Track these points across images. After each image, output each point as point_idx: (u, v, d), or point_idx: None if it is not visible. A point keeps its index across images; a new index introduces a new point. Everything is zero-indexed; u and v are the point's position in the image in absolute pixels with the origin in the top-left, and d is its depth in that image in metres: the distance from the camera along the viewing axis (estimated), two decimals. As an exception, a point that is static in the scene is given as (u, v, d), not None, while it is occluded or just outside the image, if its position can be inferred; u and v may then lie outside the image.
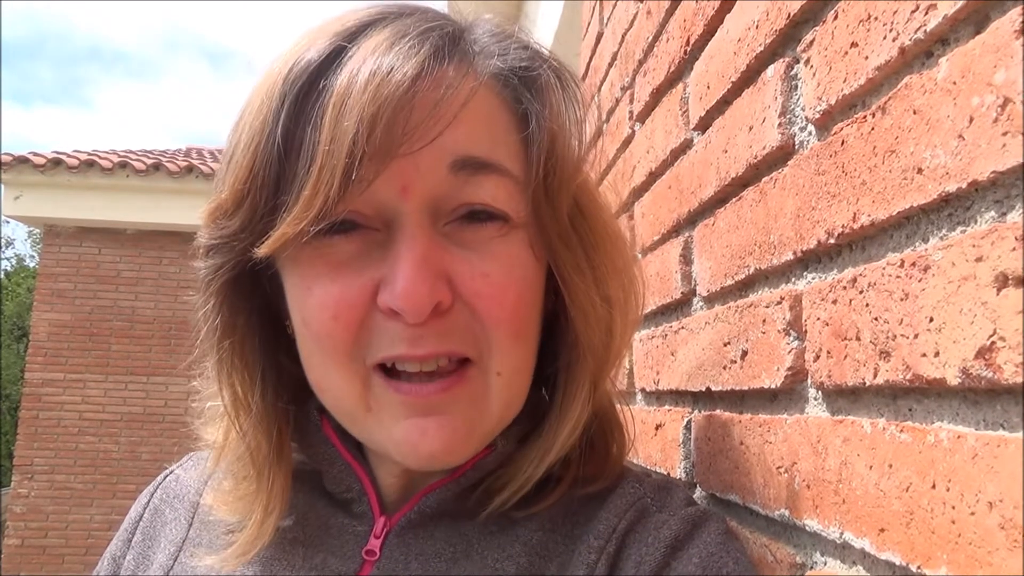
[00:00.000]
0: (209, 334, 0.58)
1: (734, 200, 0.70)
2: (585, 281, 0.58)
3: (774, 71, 0.61)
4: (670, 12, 0.92)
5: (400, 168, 0.51)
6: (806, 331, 0.56)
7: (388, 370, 0.54)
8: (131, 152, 8.61)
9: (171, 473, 0.73)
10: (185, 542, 0.64)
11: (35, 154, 7.89)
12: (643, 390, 1.00)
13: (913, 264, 0.42)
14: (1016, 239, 0.34)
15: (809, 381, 0.55)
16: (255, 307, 0.59)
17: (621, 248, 0.62)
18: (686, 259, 0.84)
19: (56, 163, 7.79)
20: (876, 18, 0.46)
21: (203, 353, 0.60)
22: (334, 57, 0.52)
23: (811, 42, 0.55)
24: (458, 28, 0.57)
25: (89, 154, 8.04)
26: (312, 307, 0.54)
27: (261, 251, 0.52)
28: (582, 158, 0.60)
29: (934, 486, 0.40)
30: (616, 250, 0.62)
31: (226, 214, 0.54)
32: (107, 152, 8.37)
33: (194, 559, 0.62)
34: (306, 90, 0.51)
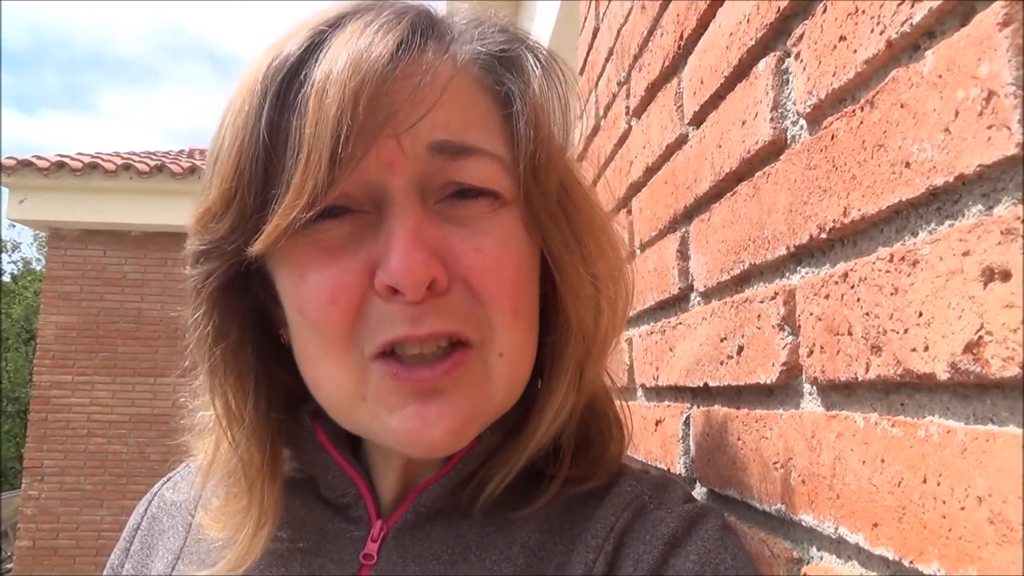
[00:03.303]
0: (201, 341, 0.57)
1: (728, 195, 0.70)
2: (574, 258, 0.58)
3: (765, 65, 0.61)
4: (664, 7, 0.92)
5: (385, 146, 0.51)
6: (800, 326, 0.55)
7: (387, 357, 0.53)
8: (134, 154, 8.62)
9: (168, 480, 0.73)
10: (183, 551, 0.64)
11: (39, 158, 7.92)
12: (643, 386, 1.00)
13: (902, 259, 0.42)
14: (1002, 233, 0.34)
15: (803, 376, 0.55)
16: (247, 313, 0.59)
17: (609, 233, 0.62)
18: (683, 254, 0.84)
19: (60, 166, 7.81)
20: (863, 11, 0.46)
21: (194, 363, 0.59)
22: (314, 48, 0.52)
23: (801, 36, 0.55)
24: (434, 15, 0.58)
25: (92, 157, 8.06)
26: (308, 293, 0.53)
27: (255, 248, 0.51)
28: (568, 137, 0.59)
29: (925, 480, 0.39)
30: (604, 235, 0.61)
31: (215, 217, 0.53)
32: (110, 155, 8.38)
33: (190, 569, 0.61)
34: (287, 82, 0.51)
